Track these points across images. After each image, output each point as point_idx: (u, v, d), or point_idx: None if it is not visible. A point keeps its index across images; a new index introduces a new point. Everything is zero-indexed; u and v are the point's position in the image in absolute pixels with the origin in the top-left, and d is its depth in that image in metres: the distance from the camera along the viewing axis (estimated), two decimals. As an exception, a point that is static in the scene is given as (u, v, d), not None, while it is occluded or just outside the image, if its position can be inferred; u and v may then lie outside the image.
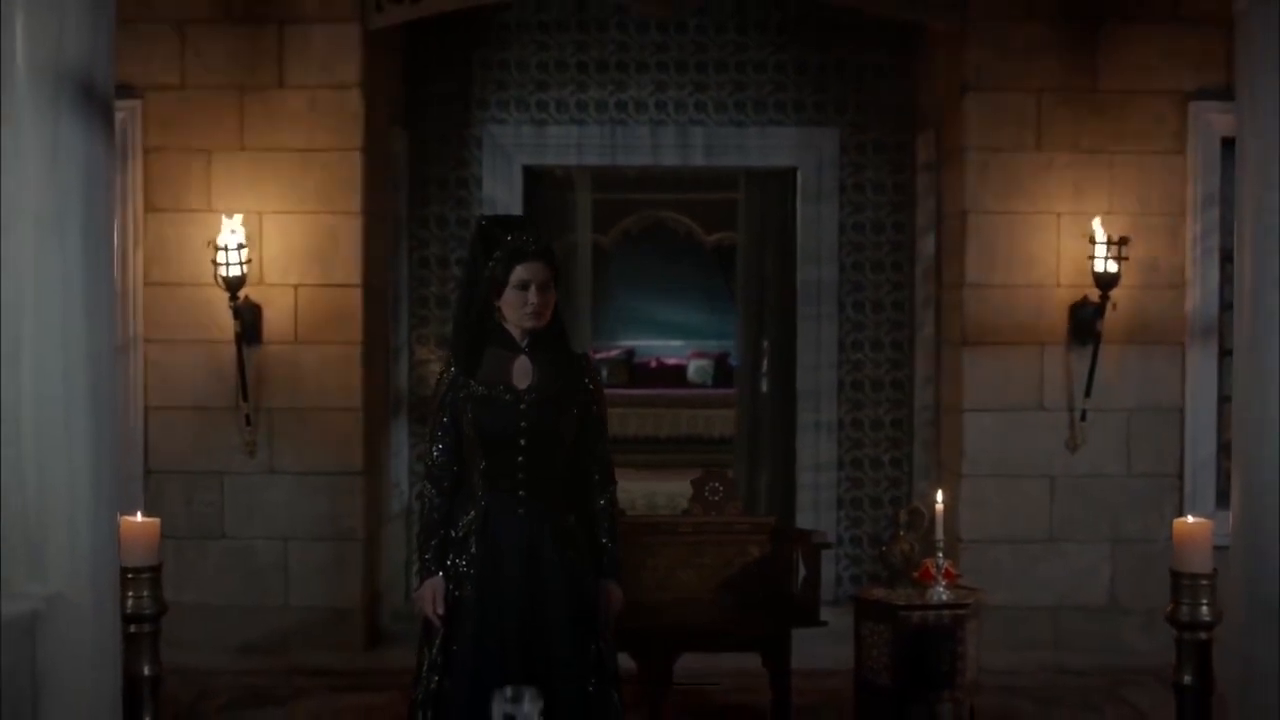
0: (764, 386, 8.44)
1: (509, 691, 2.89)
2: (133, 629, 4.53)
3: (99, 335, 4.12)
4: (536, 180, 7.78)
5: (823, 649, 5.97)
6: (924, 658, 5.16)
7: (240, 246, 6.45)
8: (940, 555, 5.27)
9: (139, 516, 4.63)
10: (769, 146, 7.58)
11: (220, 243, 6.44)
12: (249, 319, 6.58)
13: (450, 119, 7.56)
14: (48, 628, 3.96)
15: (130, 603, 4.54)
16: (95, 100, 4.08)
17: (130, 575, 4.53)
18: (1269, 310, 4.13)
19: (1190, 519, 4.67)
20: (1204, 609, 4.56)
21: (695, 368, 15.41)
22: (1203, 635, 4.56)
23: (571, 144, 7.59)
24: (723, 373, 14.48)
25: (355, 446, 6.71)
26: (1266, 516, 4.12)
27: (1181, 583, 4.59)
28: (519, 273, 4.19)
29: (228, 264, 6.45)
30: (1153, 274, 6.66)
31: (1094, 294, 6.56)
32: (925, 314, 7.33)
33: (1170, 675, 4.67)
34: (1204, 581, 4.56)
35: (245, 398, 6.61)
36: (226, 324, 6.55)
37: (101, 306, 4.14)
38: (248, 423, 6.64)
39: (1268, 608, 4.09)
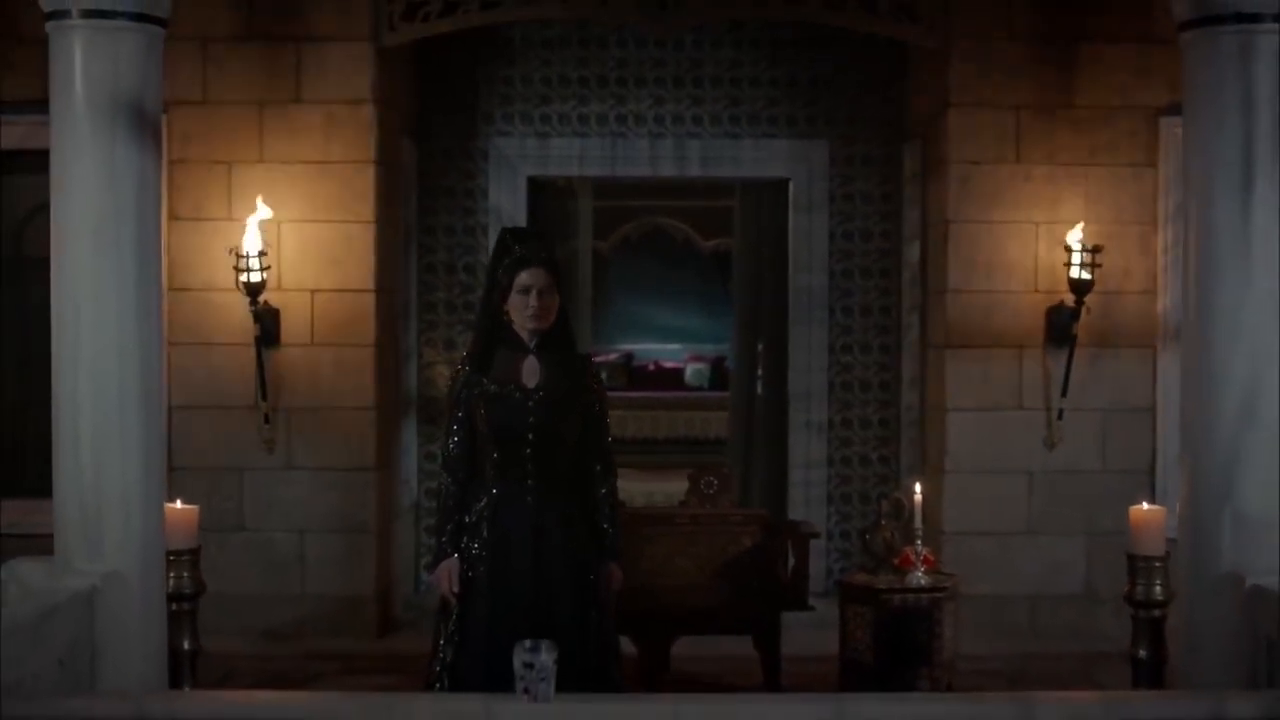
0: (758, 388, 8.96)
1: (528, 643, 3.42)
2: (173, 607, 5.03)
3: (149, 338, 4.67)
4: (540, 190, 8.29)
5: (812, 636, 6.48)
6: (904, 638, 5.68)
7: (260, 253, 6.95)
8: (919, 543, 5.80)
9: (178, 504, 5.14)
10: (762, 158, 8.09)
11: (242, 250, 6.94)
12: (268, 322, 7.06)
13: (458, 131, 8.07)
14: (104, 602, 4.50)
15: (171, 582, 5.04)
16: (146, 122, 4.63)
17: (171, 557, 5.03)
18: (1214, 315, 4.65)
19: (1145, 506, 5.19)
20: (1157, 588, 5.09)
21: (693, 371, 15.91)
22: (1156, 613, 5.09)
23: (573, 155, 8.10)
24: (720, 376, 14.92)
25: (368, 444, 7.20)
26: (1209, 504, 4.64)
27: (1137, 564, 5.12)
28: (522, 278, 4.72)
29: (248, 270, 6.94)
30: (1124, 279, 7.15)
31: (1069, 299, 7.05)
32: (911, 318, 7.83)
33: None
34: (1157, 563, 5.09)
35: (264, 397, 7.09)
36: (246, 327, 7.03)
37: (151, 311, 4.69)
38: (266, 421, 7.12)
39: (1210, 587, 4.61)
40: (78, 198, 4.58)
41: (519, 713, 3.37)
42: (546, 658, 3.36)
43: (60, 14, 4.59)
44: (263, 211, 6.89)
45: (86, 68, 4.57)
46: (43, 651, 4.17)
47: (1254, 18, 4.58)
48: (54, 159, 4.63)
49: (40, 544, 6.32)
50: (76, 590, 4.41)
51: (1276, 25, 4.57)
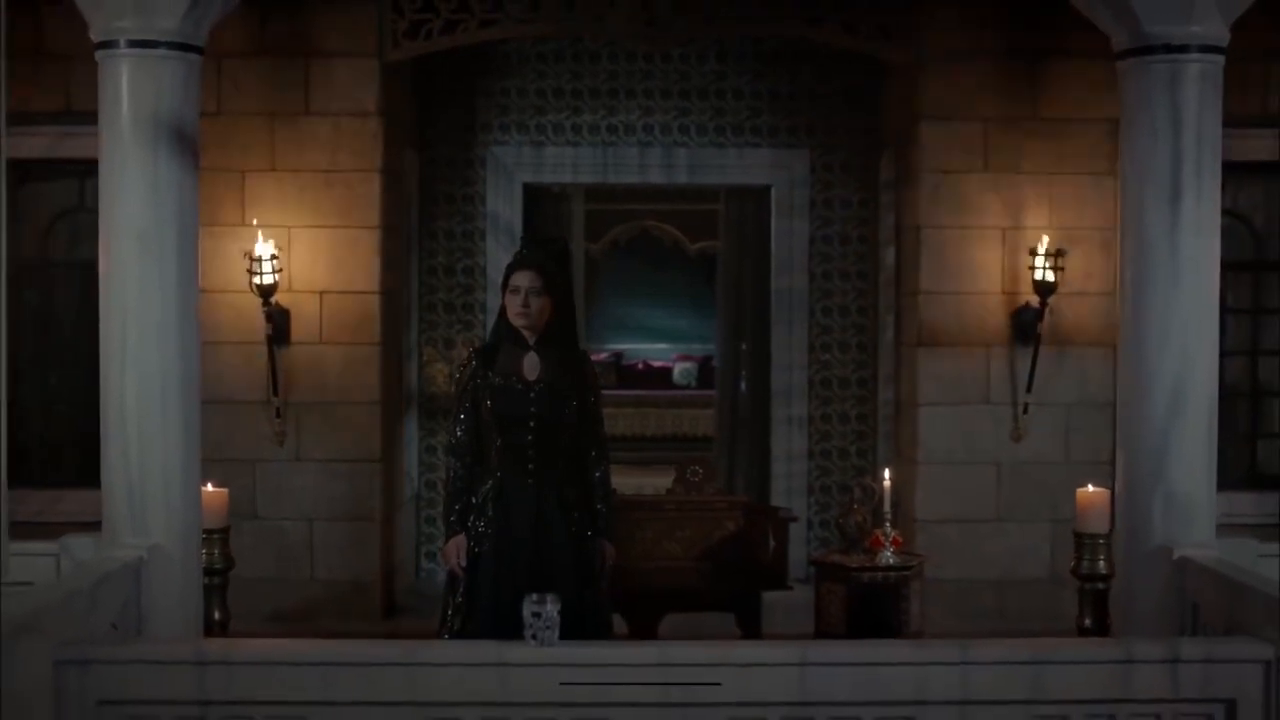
0: (742, 385, 9.65)
1: (534, 596, 4.09)
2: (205, 581, 5.67)
3: (188, 336, 5.33)
4: (535, 196, 8.97)
5: (792, 616, 7.15)
6: (873, 612, 6.33)
7: (272, 257, 7.59)
8: (888, 525, 6.46)
9: (209, 487, 5.78)
10: (746, 166, 8.79)
11: (255, 254, 7.59)
12: (279, 322, 7.68)
13: (457, 141, 8.74)
14: (149, 572, 5.14)
15: (204, 558, 5.68)
16: (185, 141, 5.29)
17: (204, 535, 5.66)
18: (1145, 318, 5.32)
19: (1090, 488, 5.87)
20: (1101, 563, 5.77)
21: (680, 370, 16.59)
22: (1100, 585, 5.77)
23: (567, 163, 8.78)
24: (707, 375, 15.58)
25: (373, 437, 7.83)
26: (1143, 486, 5.31)
27: (1083, 541, 5.80)
28: (513, 279, 5.39)
29: (261, 273, 7.58)
30: (1086, 281, 7.82)
31: (1034, 300, 7.72)
32: (887, 318, 8.51)
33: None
34: (1101, 540, 5.76)
35: (275, 393, 7.73)
36: (259, 327, 7.65)
37: (189, 311, 5.34)
38: (277, 415, 7.75)
39: (1144, 558, 5.28)
40: (124, 210, 5.22)
41: (527, 655, 4.04)
42: (551, 608, 4.03)
43: (109, 44, 5.23)
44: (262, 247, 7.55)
45: (132, 92, 5.21)
46: (98, 614, 4.81)
47: (1182, 49, 5.26)
48: (102, 174, 5.28)
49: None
50: (126, 561, 5.05)
51: (1201, 56, 5.25)
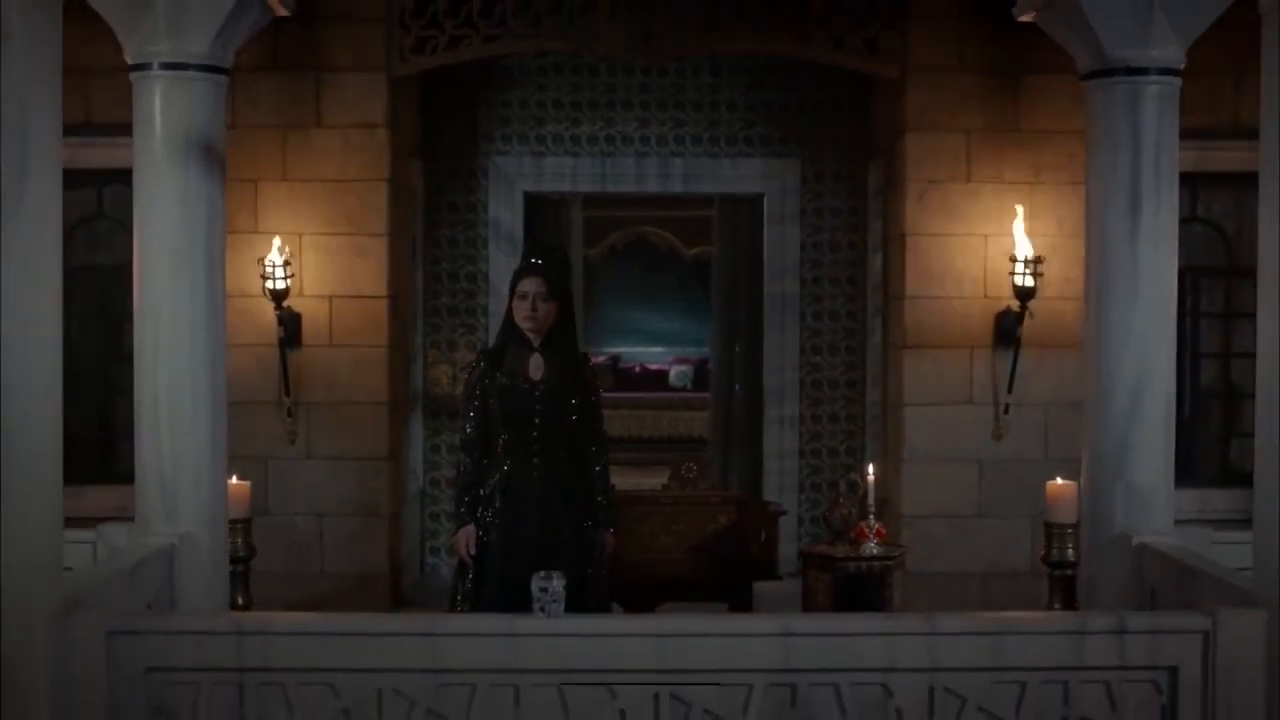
0: (737, 387, 10.17)
1: (541, 573, 4.61)
2: (229, 568, 6.18)
3: (216, 340, 5.86)
4: (536, 204, 9.49)
5: (782, 605, 7.67)
6: (857, 600, 6.85)
7: (285, 263, 8.10)
8: (872, 518, 6.98)
9: (234, 479, 6.29)
10: (739, 175, 9.31)
11: (267, 260, 8.09)
12: (290, 326, 8.16)
13: (460, 152, 9.26)
14: (180, 559, 5.66)
15: (228, 547, 6.19)
16: (214, 157, 5.81)
17: (228, 525, 6.18)
18: (1107, 324, 5.85)
19: (1060, 481, 6.39)
20: (1069, 551, 6.29)
21: (676, 373, 17.11)
22: (1068, 572, 6.29)
23: (566, 173, 9.30)
24: (702, 378, 16.10)
25: (381, 436, 8.33)
26: (1105, 479, 5.84)
27: (1052, 531, 6.32)
28: (521, 285, 5.91)
29: (273, 278, 8.08)
30: (1065, 286, 8.33)
31: (1015, 305, 8.21)
32: (874, 322, 9.03)
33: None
34: (1069, 530, 6.29)
35: (287, 393, 8.21)
36: (271, 330, 8.13)
37: (217, 316, 5.86)
38: (289, 415, 8.24)
39: (1107, 546, 5.81)
40: (158, 221, 5.74)
41: (537, 626, 4.56)
42: (557, 584, 4.55)
43: (143, 66, 5.76)
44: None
45: (165, 111, 5.74)
46: (135, 596, 5.33)
47: (1141, 71, 5.79)
48: (137, 188, 5.80)
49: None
50: (159, 547, 5.57)
51: (1159, 78, 5.78)
